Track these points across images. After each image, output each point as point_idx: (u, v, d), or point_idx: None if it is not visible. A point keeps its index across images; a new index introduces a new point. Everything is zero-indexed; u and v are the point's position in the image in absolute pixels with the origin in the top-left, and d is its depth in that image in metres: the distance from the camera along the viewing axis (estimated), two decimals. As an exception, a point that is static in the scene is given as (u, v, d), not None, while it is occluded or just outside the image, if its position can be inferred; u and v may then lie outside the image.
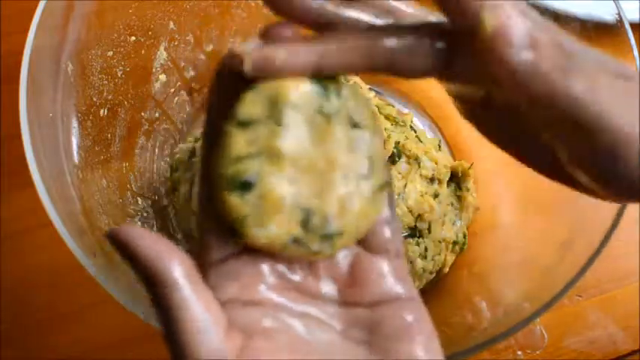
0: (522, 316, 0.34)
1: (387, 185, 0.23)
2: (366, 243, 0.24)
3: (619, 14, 0.38)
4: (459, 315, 0.41)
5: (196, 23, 0.49)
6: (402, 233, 0.43)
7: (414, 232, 0.44)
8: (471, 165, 0.48)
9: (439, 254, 0.45)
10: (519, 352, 0.44)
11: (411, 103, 0.54)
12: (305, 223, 0.22)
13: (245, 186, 0.21)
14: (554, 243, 0.38)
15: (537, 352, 0.44)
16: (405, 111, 0.52)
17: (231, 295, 0.22)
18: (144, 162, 0.49)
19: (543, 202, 0.45)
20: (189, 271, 0.21)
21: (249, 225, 0.21)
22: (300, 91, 0.22)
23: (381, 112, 0.48)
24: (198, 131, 0.51)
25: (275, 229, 0.22)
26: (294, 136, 0.21)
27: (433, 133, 0.52)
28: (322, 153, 0.22)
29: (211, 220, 0.23)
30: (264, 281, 0.23)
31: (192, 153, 0.49)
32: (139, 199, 0.47)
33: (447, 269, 0.46)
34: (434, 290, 0.46)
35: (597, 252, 0.35)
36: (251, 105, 0.21)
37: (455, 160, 0.50)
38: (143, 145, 0.49)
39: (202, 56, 0.51)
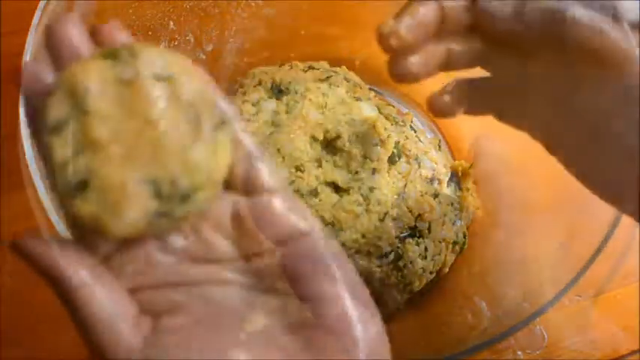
0: (522, 316, 0.34)
1: (225, 124, 0.22)
2: (243, 187, 0.23)
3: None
4: (459, 315, 0.41)
5: (196, 23, 0.49)
6: (402, 233, 0.43)
7: (414, 232, 0.44)
8: (471, 165, 0.48)
9: (439, 254, 0.45)
10: (519, 352, 0.44)
11: (411, 103, 0.53)
12: (157, 194, 0.21)
13: (81, 186, 0.21)
14: (554, 243, 0.38)
15: (537, 352, 0.44)
16: (405, 111, 0.52)
17: (134, 282, 0.22)
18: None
19: (543, 202, 0.45)
20: (92, 269, 0.21)
21: (105, 221, 0.21)
22: (91, 71, 0.21)
23: (381, 112, 0.48)
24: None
25: (132, 214, 0.21)
26: (104, 118, 0.21)
27: (433, 133, 0.52)
28: (139, 120, 0.21)
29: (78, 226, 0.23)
30: (158, 260, 0.22)
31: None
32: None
33: (447, 269, 0.46)
34: (434, 290, 0.46)
35: (597, 252, 0.35)
36: (55, 107, 0.21)
37: (455, 160, 0.50)
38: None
39: (202, 56, 0.51)
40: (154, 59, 0.22)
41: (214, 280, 0.22)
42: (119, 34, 0.24)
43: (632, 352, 0.46)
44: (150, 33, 0.46)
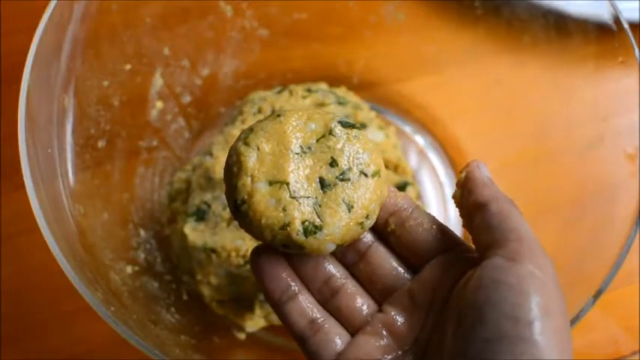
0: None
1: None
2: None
3: (616, 15, 0.38)
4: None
5: (192, 48, 0.48)
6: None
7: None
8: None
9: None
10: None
11: (416, 122, 0.54)
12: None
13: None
14: (554, 243, 0.38)
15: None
16: (407, 128, 0.52)
17: None
18: (144, 192, 0.48)
19: (544, 203, 0.45)
20: None
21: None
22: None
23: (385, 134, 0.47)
24: (196, 158, 0.50)
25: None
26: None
27: (436, 150, 0.53)
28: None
29: None
30: None
31: (189, 184, 0.48)
32: (141, 230, 0.46)
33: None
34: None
35: (597, 252, 0.35)
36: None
37: (457, 167, 0.50)
38: (143, 175, 0.48)
39: (198, 81, 0.50)
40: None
41: None
42: None
43: (633, 353, 0.46)
44: (145, 60, 0.46)
